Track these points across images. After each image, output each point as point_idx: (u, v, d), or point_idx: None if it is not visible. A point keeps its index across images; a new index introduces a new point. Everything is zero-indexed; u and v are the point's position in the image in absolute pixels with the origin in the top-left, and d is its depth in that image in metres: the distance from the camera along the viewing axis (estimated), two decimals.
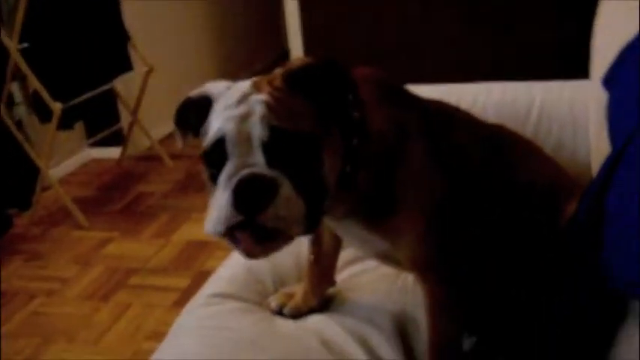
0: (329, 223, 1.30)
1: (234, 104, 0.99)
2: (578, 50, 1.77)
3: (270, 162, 0.95)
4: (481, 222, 1.28)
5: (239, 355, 1.32)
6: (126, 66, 4.10)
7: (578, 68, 1.69)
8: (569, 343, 1.22)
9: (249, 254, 0.98)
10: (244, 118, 0.96)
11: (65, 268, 3.23)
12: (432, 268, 1.23)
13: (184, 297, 2.71)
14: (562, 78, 1.71)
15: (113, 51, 3.98)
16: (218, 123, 0.99)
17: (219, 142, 0.98)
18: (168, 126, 4.83)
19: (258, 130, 0.95)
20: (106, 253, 3.33)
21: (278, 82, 1.02)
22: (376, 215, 1.18)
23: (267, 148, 0.95)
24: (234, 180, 0.95)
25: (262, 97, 0.98)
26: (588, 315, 1.15)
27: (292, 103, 0.99)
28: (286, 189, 0.94)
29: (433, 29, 3.23)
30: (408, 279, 1.52)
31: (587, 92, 1.58)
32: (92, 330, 2.69)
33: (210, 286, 1.56)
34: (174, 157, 4.41)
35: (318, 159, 0.99)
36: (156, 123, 4.61)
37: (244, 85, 1.04)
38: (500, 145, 1.36)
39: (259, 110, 0.96)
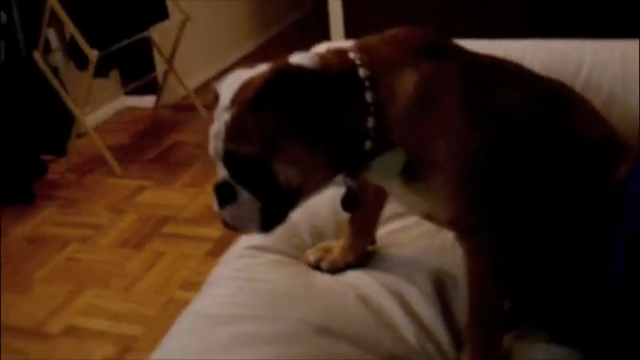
0: (371, 180, 1.29)
1: (217, 119, 1.12)
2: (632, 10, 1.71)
3: (232, 174, 1.12)
4: (528, 181, 1.24)
5: (275, 307, 1.31)
6: (162, 14, 4.06)
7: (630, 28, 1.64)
8: (608, 307, 1.20)
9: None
10: (217, 137, 1.11)
11: (99, 215, 3.25)
12: (471, 229, 1.21)
13: (217, 247, 2.72)
14: (613, 37, 1.65)
15: None
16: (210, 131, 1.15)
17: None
18: (203, 75, 4.83)
19: (220, 150, 1.12)
20: (139, 201, 3.35)
21: (246, 101, 1.09)
22: (413, 171, 1.17)
23: (226, 165, 1.12)
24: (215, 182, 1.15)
25: (226, 116, 1.10)
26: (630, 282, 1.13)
27: (249, 125, 1.09)
28: (243, 195, 1.12)
29: None
30: (448, 236, 1.49)
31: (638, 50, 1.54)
32: (125, 278, 2.71)
33: (247, 238, 1.55)
34: (209, 106, 4.37)
35: (270, 174, 1.10)
36: (191, 72, 4.60)
37: (231, 90, 1.12)
38: (554, 103, 1.31)
39: (222, 131, 1.10)
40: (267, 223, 1.15)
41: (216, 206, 1.15)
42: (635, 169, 1.14)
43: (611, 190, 1.21)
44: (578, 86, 1.52)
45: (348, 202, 1.28)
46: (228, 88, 1.13)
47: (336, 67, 1.14)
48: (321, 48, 1.24)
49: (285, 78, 1.07)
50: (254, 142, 1.08)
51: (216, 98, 1.18)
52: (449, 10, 3.09)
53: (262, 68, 1.13)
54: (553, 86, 1.36)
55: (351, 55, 1.16)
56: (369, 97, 1.13)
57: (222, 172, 1.13)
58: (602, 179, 1.26)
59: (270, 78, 1.07)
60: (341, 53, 1.17)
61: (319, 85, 1.09)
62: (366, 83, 1.14)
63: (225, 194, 1.13)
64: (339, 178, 1.22)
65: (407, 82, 1.14)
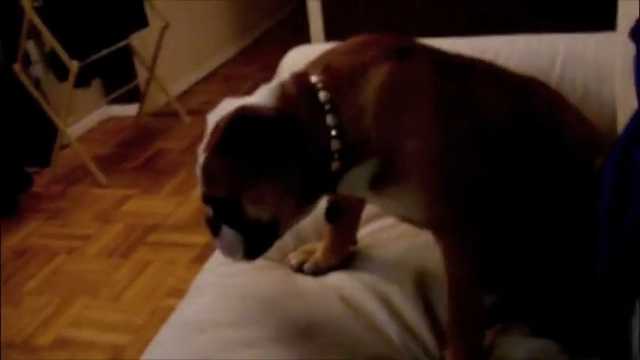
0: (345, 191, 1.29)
1: (200, 152, 1.17)
2: (603, 3, 1.73)
3: (213, 211, 1.19)
4: (505, 177, 1.25)
5: (258, 313, 1.32)
6: (142, 22, 4.06)
7: (603, 21, 1.66)
8: (591, 301, 1.21)
9: None
10: (199, 177, 1.18)
11: (85, 225, 3.25)
12: (447, 229, 1.22)
13: (204, 253, 2.73)
14: (587, 31, 1.67)
15: (129, 7, 3.94)
16: None
17: None
18: (185, 82, 4.83)
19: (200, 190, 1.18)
20: (125, 211, 3.35)
21: (212, 147, 1.13)
22: (387, 177, 1.17)
23: (206, 203, 1.19)
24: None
25: (201, 160, 1.16)
26: (612, 276, 1.14)
27: (216, 169, 1.14)
28: (225, 231, 1.18)
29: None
30: (430, 236, 1.50)
31: (613, 45, 1.55)
32: (113, 287, 2.71)
33: None
34: (192, 112, 4.39)
35: (241, 212, 1.14)
36: (173, 79, 4.60)
37: (238, 101, 1.17)
38: (526, 100, 1.32)
39: (199, 173, 1.17)
40: (251, 253, 1.21)
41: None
42: (606, 163, 1.15)
43: (589, 183, 1.22)
44: (552, 81, 1.54)
45: (331, 214, 1.29)
46: (215, 118, 1.17)
47: (297, 99, 1.14)
48: (285, 74, 1.25)
49: (245, 122, 1.10)
50: (221, 186, 1.14)
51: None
52: (426, 9, 3.11)
53: (246, 99, 1.17)
54: (526, 83, 1.37)
55: (313, 78, 1.16)
56: (330, 120, 1.13)
57: (208, 208, 1.19)
58: (579, 173, 1.27)
59: (231, 124, 1.10)
60: (302, 80, 1.17)
61: (279, 124, 1.11)
62: (327, 107, 1.14)
63: (213, 227, 1.19)
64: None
65: (370, 89, 1.14)
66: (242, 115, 1.10)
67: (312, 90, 1.15)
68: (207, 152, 1.14)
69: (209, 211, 1.19)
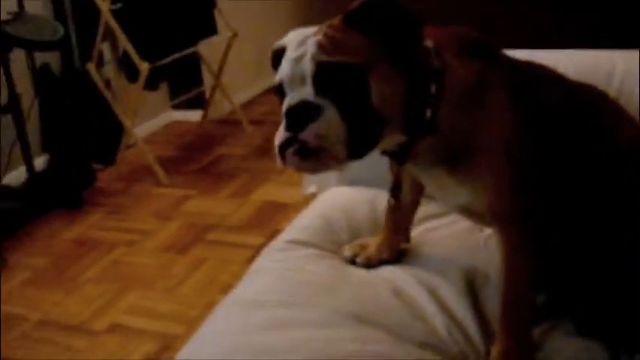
0: (414, 171, 1.35)
1: (295, 47, 1.13)
2: None
3: (318, 92, 1.08)
4: (564, 178, 1.29)
5: (312, 296, 1.37)
6: (211, 30, 4.18)
7: None
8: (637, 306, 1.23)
9: (297, 168, 1.11)
10: (299, 60, 1.11)
11: (145, 221, 3.35)
12: (510, 220, 1.25)
13: (259, 254, 2.77)
14: None
15: (199, 15, 4.07)
16: (282, 65, 1.14)
17: (280, 83, 1.14)
18: (249, 92, 4.92)
19: (308, 68, 1.09)
20: (184, 210, 3.44)
21: (336, 22, 1.14)
22: (458, 161, 1.21)
23: (316, 81, 1.09)
24: (286, 106, 1.10)
25: (316, 38, 1.11)
26: None
27: (344, 39, 1.11)
28: (329, 112, 1.07)
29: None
30: (480, 237, 1.54)
31: None
32: (169, 280, 2.79)
33: (288, 233, 1.62)
34: (254, 122, 4.48)
35: (364, 87, 1.08)
36: (238, 88, 4.69)
37: (310, 29, 1.15)
38: (589, 104, 1.36)
39: (310, 50, 1.10)
40: (355, 147, 1.09)
41: (285, 134, 1.09)
42: None
43: None
44: (611, 94, 1.56)
45: (394, 189, 1.37)
46: (296, 35, 1.16)
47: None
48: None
49: (380, 5, 1.11)
50: (353, 53, 1.08)
51: (275, 53, 1.22)
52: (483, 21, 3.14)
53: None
54: (587, 89, 1.41)
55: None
56: (435, 63, 1.18)
57: (297, 95, 1.10)
58: (634, 178, 1.30)
59: (367, 2, 1.12)
60: None
61: (407, 21, 1.13)
62: (432, 52, 1.19)
63: (305, 114, 1.07)
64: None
65: (461, 73, 1.20)
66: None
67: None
68: (332, 27, 1.12)
69: (301, 95, 1.09)
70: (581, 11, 3.07)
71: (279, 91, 1.15)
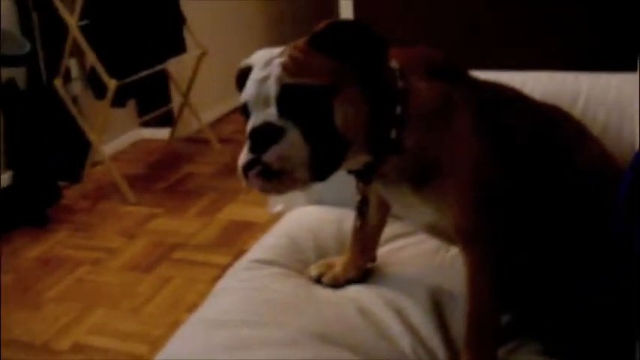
0: (380, 190, 1.35)
1: (260, 68, 1.13)
2: (627, 46, 1.78)
3: (281, 114, 1.09)
4: (528, 198, 1.30)
5: (277, 316, 1.36)
6: (180, 48, 4.17)
7: (626, 64, 1.71)
8: (603, 326, 1.24)
9: (261, 189, 1.10)
10: (263, 81, 1.11)
11: (111, 239, 3.31)
12: (475, 237, 1.26)
13: (225, 273, 2.76)
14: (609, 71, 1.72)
15: (169, 32, 4.05)
16: (247, 86, 1.14)
17: (245, 104, 1.14)
18: (218, 110, 4.91)
19: (272, 89, 1.09)
20: (151, 228, 3.41)
21: (301, 44, 1.14)
22: (424, 180, 1.22)
23: (280, 102, 1.09)
24: (250, 128, 1.10)
25: (281, 60, 1.11)
26: (623, 297, 1.17)
27: (309, 61, 1.11)
28: (292, 134, 1.07)
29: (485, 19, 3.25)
30: (447, 257, 1.55)
31: (634, 85, 1.59)
32: (134, 299, 2.76)
33: (253, 253, 1.61)
34: (222, 140, 4.47)
35: (328, 109, 1.09)
36: (206, 106, 4.69)
37: (276, 50, 1.16)
38: (552, 125, 1.39)
39: (275, 72, 1.10)
40: (317, 169, 1.09)
41: (248, 156, 1.09)
42: (620, 189, 1.19)
43: (605, 208, 1.26)
44: (575, 114, 1.58)
45: (361, 208, 1.37)
46: (262, 56, 1.16)
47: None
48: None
49: (344, 27, 1.13)
50: (316, 75, 1.09)
51: (241, 72, 1.22)
52: (458, 42, 3.18)
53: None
54: (551, 109, 1.43)
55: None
56: (400, 84, 1.19)
57: (261, 117, 1.10)
58: (596, 198, 1.31)
59: (332, 24, 1.13)
60: None
61: (371, 42, 1.14)
62: (397, 73, 1.20)
63: (268, 135, 1.07)
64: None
65: (427, 94, 1.21)
66: (342, 20, 1.15)
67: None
68: (297, 48, 1.13)
69: (265, 116, 1.09)
70: (552, 35, 3.12)
71: (244, 111, 1.15)
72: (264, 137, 1.08)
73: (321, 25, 1.14)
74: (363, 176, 1.26)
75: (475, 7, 3.25)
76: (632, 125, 1.57)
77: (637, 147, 1.53)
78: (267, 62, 1.13)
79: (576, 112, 1.62)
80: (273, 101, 1.09)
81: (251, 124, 1.11)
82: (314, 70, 1.10)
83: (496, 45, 3.21)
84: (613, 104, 1.62)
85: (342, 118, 1.10)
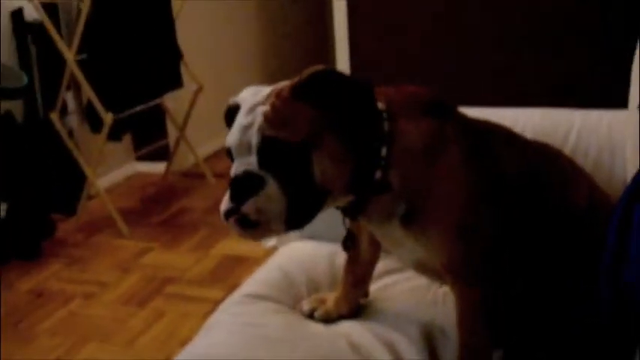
0: (369, 227, 1.36)
1: (244, 114, 1.15)
2: (618, 82, 1.81)
3: (261, 164, 1.12)
4: (518, 233, 1.31)
5: (269, 351, 1.36)
6: (177, 83, 4.19)
7: (616, 100, 1.73)
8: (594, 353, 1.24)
9: (239, 235, 1.14)
10: (247, 128, 1.14)
11: (104, 273, 3.31)
12: (465, 277, 1.27)
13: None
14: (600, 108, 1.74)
15: (165, 67, 4.07)
16: (231, 131, 1.17)
17: (229, 149, 1.17)
18: (214, 144, 4.93)
19: (254, 139, 1.12)
20: (145, 262, 3.40)
21: (285, 93, 1.15)
22: (412, 218, 1.23)
23: (260, 153, 1.12)
24: (232, 175, 1.13)
25: (264, 108, 1.13)
26: (614, 327, 1.18)
27: (290, 112, 1.13)
28: (271, 186, 1.10)
29: (478, 58, 3.29)
30: (439, 293, 1.55)
31: (626, 120, 1.61)
32: (127, 333, 2.75)
33: (246, 287, 1.61)
34: (218, 175, 4.48)
35: (307, 163, 1.12)
36: (202, 141, 4.70)
37: (261, 93, 1.18)
38: (544, 164, 1.40)
39: (258, 121, 1.12)
40: (293, 220, 1.13)
41: (228, 204, 1.12)
42: (610, 221, 1.20)
43: (596, 241, 1.27)
44: (566, 152, 1.60)
45: (347, 242, 1.38)
46: (249, 95, 1.19)
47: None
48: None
49: (326, 76, 1.14)
50: (297, 129, 1.11)
51: (229, 110, 1.25)
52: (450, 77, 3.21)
53: (281, 84, 1.20)
54: (541, 147, 1.44)
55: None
56: (386, 127, 1.21)
57: (243, 165, 1.13)
58: (587, 232, 1.32)
59: (313, 74, 1.14)
60: None
61: (354, 90, 1.16)
62: (384, 115, 1.22)
63: (248, 185, 1.11)
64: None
65: (415, 132, 1.23)
66: (324, 70, 1.14)
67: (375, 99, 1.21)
68: (280, 97, 1.14)
69: (246, 165, 1.12)
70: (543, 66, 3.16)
71: (229, 154, 1.18)
72: (243, 187, 1.11)
73: (304, 74, 1.16)
74: (349, 213, 1.28)
75: (473, 48, 3.29)
76: (623, 161, 1.59)
77: (627, 183, 1.55)
78: (251, 108, 1.15)
79: (568, 147, 1.64)
80: (254, 150, 1.12)
81: (233, 171, 1.14)
82: (294, 123, 1.12)
83: (492, 81, 3.25)
84: (605, 141, 1.63)
85: (321, 170, 1.13)
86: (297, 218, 1.13)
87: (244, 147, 1.13)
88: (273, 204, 1.10)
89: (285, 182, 1.11)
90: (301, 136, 1.11)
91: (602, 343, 1.22)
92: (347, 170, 1.17)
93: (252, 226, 1.11)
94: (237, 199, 1.11)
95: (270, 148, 1.11)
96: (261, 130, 1.12)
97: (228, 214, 1.12)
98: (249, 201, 1.10)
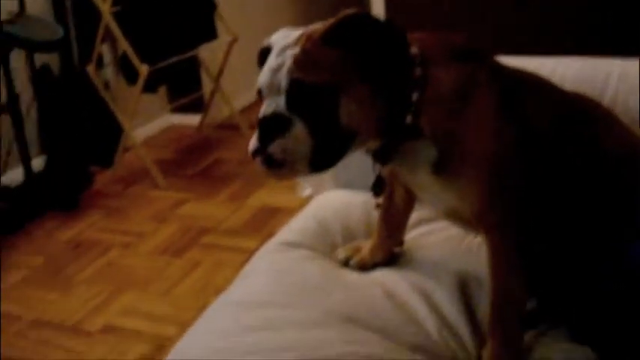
0: (400, 174, 1.35)
1: (275, 55, 1.16)
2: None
3: (289, 106, 1.12)
4: (551, 184, 1.29)
5: (304, 297, 1.37)
6: (211, 34, 4.18)
7: None
8: (627, 310, 1.24)
9: (264, 174, 1.17)
10: (276, 70, 1.14)
11: (141, 223, 3.35)
12: (496, 226, 1.26)
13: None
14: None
15: (200, 18, 4.07)
16: (262, 72, 1.18)
17: (260, 90, 1.18)
18: (248, 96, 4.92)
19: (283, 81, 1.13)
20: (181, 213, 3.44)
21: (316, 37, 1.15)
22: (443, 165, 1.22)
23: (289, 95, 1.13)
24: (261, 115, 1.15)
25: (294, 51, 1.14)
26: None
27: (320, 57, 1.13)
28: (298, 128, 1.11)
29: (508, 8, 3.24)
30: (474, 242, 1.54)
31: None
32: (163, 282, 2.80)
33: (282, 235, 1.63)
34: (253, 127, 4.44)
35: (334, 106, 1.12)
36: (237, 93, 4.70)
37: (292, 36, 1.18)
38: (580, 115, 1.37)
39: (287, 63, 1.13)
40: (318, 162, 1.14)
41: (255, 144, 1.14)
42: None
43: (633, 195, 1.25)
44: (605, 101, 1.57)
45: (376, 187, 1.36)
46: (281, 37, 1.20)
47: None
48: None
49: (357, 21, 1.14)
50: (326, 72, 1.12)
51: (261, 52, 1.24)
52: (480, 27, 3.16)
53: (321, 24, 1.19)
54: (578, 99, 1.42)
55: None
56: (417, 72, 1.20)
57: (272, 106, 1.14)
58: (624, 184, 1.31)
59: (345, 18, 1.14)
60: None
61: (386, 35, 1.16)
62: (416, 60, 1.21)
63: (276, 126, 1.12)
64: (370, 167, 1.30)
65: (447, 78, 1.22)
66: (356, 14, 1.15)
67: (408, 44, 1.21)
68: (311, 41, 1.14)
69: (275, 106, 1.13)
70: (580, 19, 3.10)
71: (259, 94, 1.19)
72: (271, 127, 1.12)
73: (334, 20, 1.15)
74: (379, 158, 1.28)
75: None
76: None
77: None
78: (281, 50, 1.15)
79: (607, 97, 1.61)
80: (283, 91, 1.13)
81: (262, 111, 1.15)
82: (323, 67, 1.12)
83: (529, 31, 3.19)
84: None
85: (348, 114, 1.13)
86: (322, 160, 1.15)
87: (274, 88, 1.14)
88: (299, 145, 1.11)
89: (311, 124, 1.12)
90: (329, 79, 1.12)
91: (633, 303, 1.21)
92: (375, 114, 1.17)
93: (278, 166, 1.13)
94: (265, 139, 1.12)
95: (298, 91, 1.12)
96: (290, 72, 1.12)
97: (255, 153, 1.14)
98: (275, 141, 1.11)
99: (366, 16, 1.15)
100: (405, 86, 1.20)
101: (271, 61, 1.16)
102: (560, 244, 1.34)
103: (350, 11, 1.15)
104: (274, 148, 1.12)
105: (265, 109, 1.15)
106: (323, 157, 1.14)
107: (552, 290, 1.37)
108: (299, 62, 1.12)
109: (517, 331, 1.28)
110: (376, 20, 1.16)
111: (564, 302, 1.35)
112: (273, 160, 1.12)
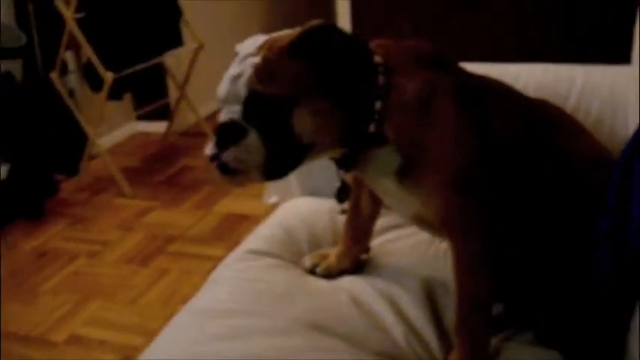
0: (365, 180, 1.36)
1: (237, 63, 1.17)
2: (619, 37, 1.79)
3: (246, 115, 1.14)
4: (516, 188, 1.30)
5: (269, 306, 1.36)
6: (177, 41, 4.16)
7: (619, 56, 1.71)
8: (592, 312, 1.25)
9: (219, 179, 1.18)
10: (236, 78, 1.15)
11: (107, 232, 3.32)
12: (461, 230, 1.26)
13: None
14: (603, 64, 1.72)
15: (165, 25, 4.04)
16: (222, 81, 1.18)
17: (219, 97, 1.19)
18: (214, 104, 4.86)
19: (242, 90, 1.14)
20: (147, 221, 3.42)
21: (279, 46, 1.16)
22: (407, 171, 1.23)
23: (246, 105, 1.14)
24: (218, 122, 1.16)
25: (255, 60, 1.15)
26: (613, 285, 1.18)
27: (282, 68, 1.14)
28: (252, 137, 1.13)
29: (480, 12, 3.26)
30: (440, 248, 1.55)
31: (628, 76, 1.59)
32: (130, 291, 2.77)
33: (248, 243, 1.62)
34: None
35: (289, 118, 1.13)
36: (203, 100, 4.67)
37: (256, 42, 1.19)
38: (542, 119, 1.39)
39: (248, 73, 1.14)
40: (271, 171, 1.17)
41: (212, 149, 1.15)
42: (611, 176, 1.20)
43: (595, 197, 1.26)
44: (568, 109, 1.58)
45: (341, 193, 1.36)
46: (250, 43, 1.20)
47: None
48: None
49: (323, 33, 1.15)
50: (286, 85, 1.13)
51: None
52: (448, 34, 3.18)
53: (285, 32, 1.21)
54: (539, 104, 1.44)
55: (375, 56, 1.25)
56: (381, 80, 1.21)
57: (229, 114, 1.15)
58: (587, 188, 1.32)
59: (311, 30, 1.15)
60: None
61: (350, 47, 1.17)
62: (380, 68, 1.22)
63: (231, 134, 1.14)
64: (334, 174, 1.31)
65: (410, 85, 1.22)
66: (322, 26, 1.15)
67: (368, 50, 1.23)
68: (273, 51, 1.15)
69: (232, 114, 1.14)
70: (543, 26, 3.13)
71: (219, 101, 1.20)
72: (227, 136, 1.14)
73: (301, 30, 1.16)
74: (342, 165, 1.29)
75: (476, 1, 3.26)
76: (625, 118, 1.58)
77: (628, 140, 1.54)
78: (243, 58, 1.16)
79: (570, 104, 1.62)
80: (241, 101, 1.14)
81: (220, 118, 1.17)
82: (284, 79, 1.14)
83: (493, 39, 3.22)
84: (607, 97, 1.62)
85: (303, 126, 1.15)
86: (275, 169, 1.17)
87: (232, 96, 1.15)
88: (253, 154, 1.13)
89: (266, 135, 1.13)
90: (287, 91, 1.13)
91: (600, 307, 1.22)
92: (334, 126, 1.18)
93: (232, 173, 1.15)
94: (220, 146, 1.14)
95: (255, 101, 1.13)
96: (249, 82, 1.14)
97: (211, 159, 1.16)
98: (229, 149, 1.13)
99: (331, 28, 1.16)
100: (368, 95, 1.21)
101: (232, 68, 1.17)
102: (527, 249, 1.34)
103: (316, 22, 1.16)
104: (228, 156, 1.13)
105: (223, 115, 1.16)
106: (276, 167, 1.17)
107: (519, 295, 1.38)
108: (259, 72, 1.14)
109: (484, 335, 1.28)
110: (341, 32, 1.17)
111: (531, 306, 1.36)
112: (227, 167, 1.14)
